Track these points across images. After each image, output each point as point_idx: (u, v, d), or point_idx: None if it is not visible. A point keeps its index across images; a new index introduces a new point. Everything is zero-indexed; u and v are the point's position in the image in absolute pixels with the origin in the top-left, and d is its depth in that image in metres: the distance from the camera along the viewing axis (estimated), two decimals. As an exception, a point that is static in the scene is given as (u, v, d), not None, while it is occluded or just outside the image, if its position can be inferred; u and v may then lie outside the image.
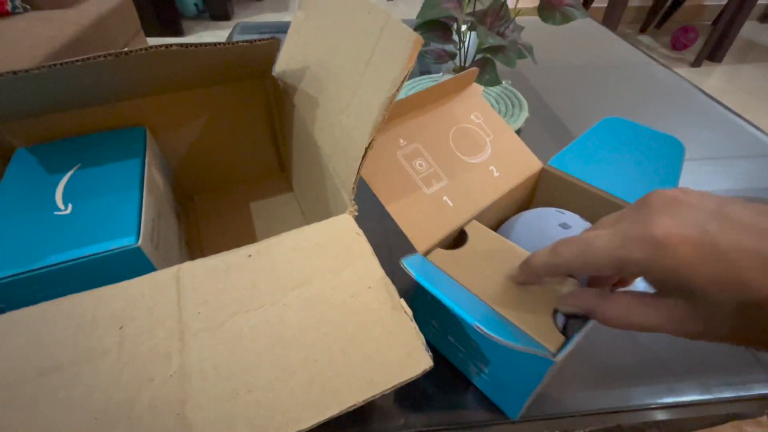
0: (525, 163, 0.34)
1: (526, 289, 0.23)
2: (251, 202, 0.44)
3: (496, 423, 0.28)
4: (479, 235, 0.28)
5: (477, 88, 0.35)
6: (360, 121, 0.24)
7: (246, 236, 0.40)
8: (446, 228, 0.27)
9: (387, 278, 0.20)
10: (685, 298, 0.16)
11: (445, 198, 0.28)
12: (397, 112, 0.29)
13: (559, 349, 0.20)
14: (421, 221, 0.27)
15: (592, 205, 0.31)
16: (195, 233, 0.40)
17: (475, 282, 0.24)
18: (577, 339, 0.21)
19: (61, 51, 1.06)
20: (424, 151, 0.29)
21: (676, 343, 0.33)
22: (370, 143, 0.22)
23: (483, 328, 0.19)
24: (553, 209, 0.31)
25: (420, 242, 0.26)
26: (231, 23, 2.18)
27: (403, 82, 0.20)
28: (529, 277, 0.22)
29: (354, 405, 0.16)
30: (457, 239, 0.29)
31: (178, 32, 2.01)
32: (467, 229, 0.28)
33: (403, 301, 0.19)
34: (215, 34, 2.09)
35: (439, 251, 0.26)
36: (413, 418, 0.29)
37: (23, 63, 0.96)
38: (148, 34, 1.59)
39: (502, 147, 0.33)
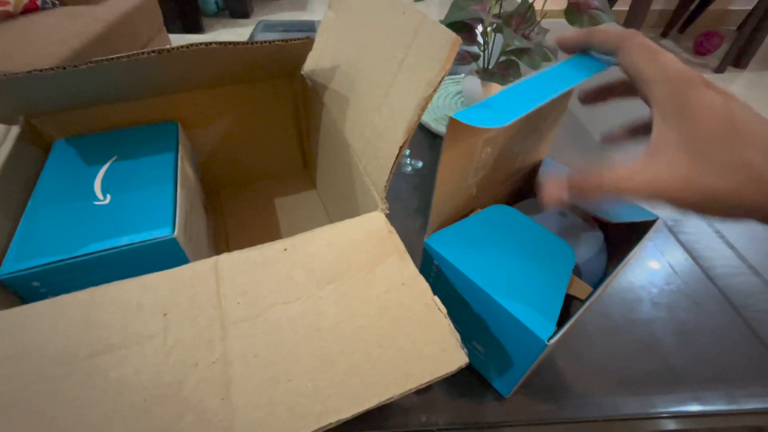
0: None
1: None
2: (275, 198, 0.45)
3: (516, 424, 0.29)
4: None
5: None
6: (393, 121, 0.24)
7: (271, 231, 0.41)
8: (459, 215, 0.29)
9: (420, 275, 0.20)
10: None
11: (474, 189, 0.29)
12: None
13: (552, 336, 0.21)
14: (446, 209, 0.27)
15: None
16: (221, 227, 0.41)
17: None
18: (568, 326, 0.22)
19: (89, 46, 1.09)
20: (496, 142, 0.28)
21: (701, 350, 0.32)
22: (404, 142, 0.22)
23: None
24: None
25: (434, 226, 0.27)
26: (250, 21, 2.21)
27: (440, 83, 0.21)
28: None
29: (392, 398, 0.16)
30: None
31: (199, 30, 2.05)
32: None
33: (436, 298, 0.19)
34: (235, 31, 2.12)
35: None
36: (434, 416, 0.29)
37: (52, 57, 0.99)
38: (170, 31, 1.62)
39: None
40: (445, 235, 0.26)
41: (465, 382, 0.30)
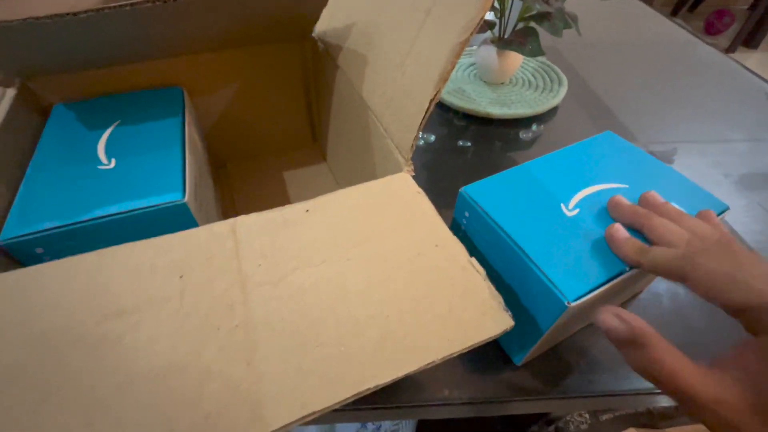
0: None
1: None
2: (284, 171, 0.43)
3: (535, 398, 0.28)
4: None
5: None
6: (420, 75, 0.22)
7: (281, 205, 0.40)
8: None
9: (455, 237, 0.19)
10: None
11: None
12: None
13: (577, 298, 0.20)
14: None
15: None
16: (229, 200, 0.40)
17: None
18: (596, 293, 0.20)
19: (84, 22, 1.05)
20: None
21: (717, 326, 0.31)
22: (436, 94, 0.20)
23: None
24: None
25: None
26: None
27: (478, 24, 0.19)
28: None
29: (431, 363, 0.15)
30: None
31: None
32: None
33: (474, 260, 0.18)
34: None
35: None
36: (457, 391, 0.28)
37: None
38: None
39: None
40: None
41: (487, 358, 0.29)
